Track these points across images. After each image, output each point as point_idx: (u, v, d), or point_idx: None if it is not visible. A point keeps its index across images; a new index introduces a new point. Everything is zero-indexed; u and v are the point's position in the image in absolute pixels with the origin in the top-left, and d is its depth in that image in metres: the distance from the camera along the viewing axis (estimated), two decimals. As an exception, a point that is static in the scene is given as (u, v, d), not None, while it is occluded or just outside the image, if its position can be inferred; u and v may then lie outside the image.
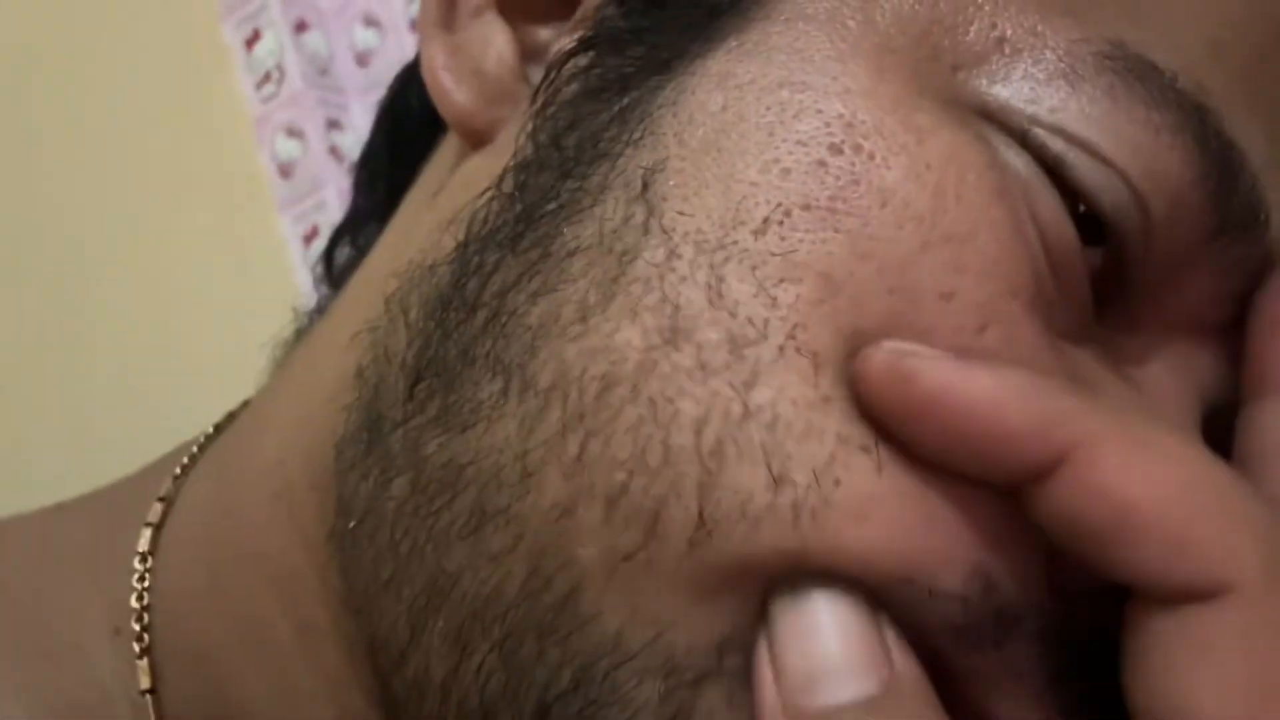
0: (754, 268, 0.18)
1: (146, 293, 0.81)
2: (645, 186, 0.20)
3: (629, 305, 0.19)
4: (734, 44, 0.20)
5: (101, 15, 0.82)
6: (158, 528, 0.27)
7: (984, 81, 0.19)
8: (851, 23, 0.20)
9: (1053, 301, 0.18)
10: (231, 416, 0.31)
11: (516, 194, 0.22)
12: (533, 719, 0.18)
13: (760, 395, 0.18)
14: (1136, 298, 0.19)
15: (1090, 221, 0.18)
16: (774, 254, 0.18)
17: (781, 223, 0.18)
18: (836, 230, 0.18)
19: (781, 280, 0.18)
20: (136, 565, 0.26)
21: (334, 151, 0.84)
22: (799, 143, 0.19)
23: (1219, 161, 0.18)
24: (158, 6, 0.85)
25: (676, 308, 0.19)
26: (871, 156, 0.18)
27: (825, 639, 0.16)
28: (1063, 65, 0.18)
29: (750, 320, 0.18)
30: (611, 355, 0.19)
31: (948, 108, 0.19)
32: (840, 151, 0.18)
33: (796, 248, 0.18)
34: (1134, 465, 0.16)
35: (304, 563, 0.23)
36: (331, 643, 0.22)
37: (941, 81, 0.19)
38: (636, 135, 0.20)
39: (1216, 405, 0.20)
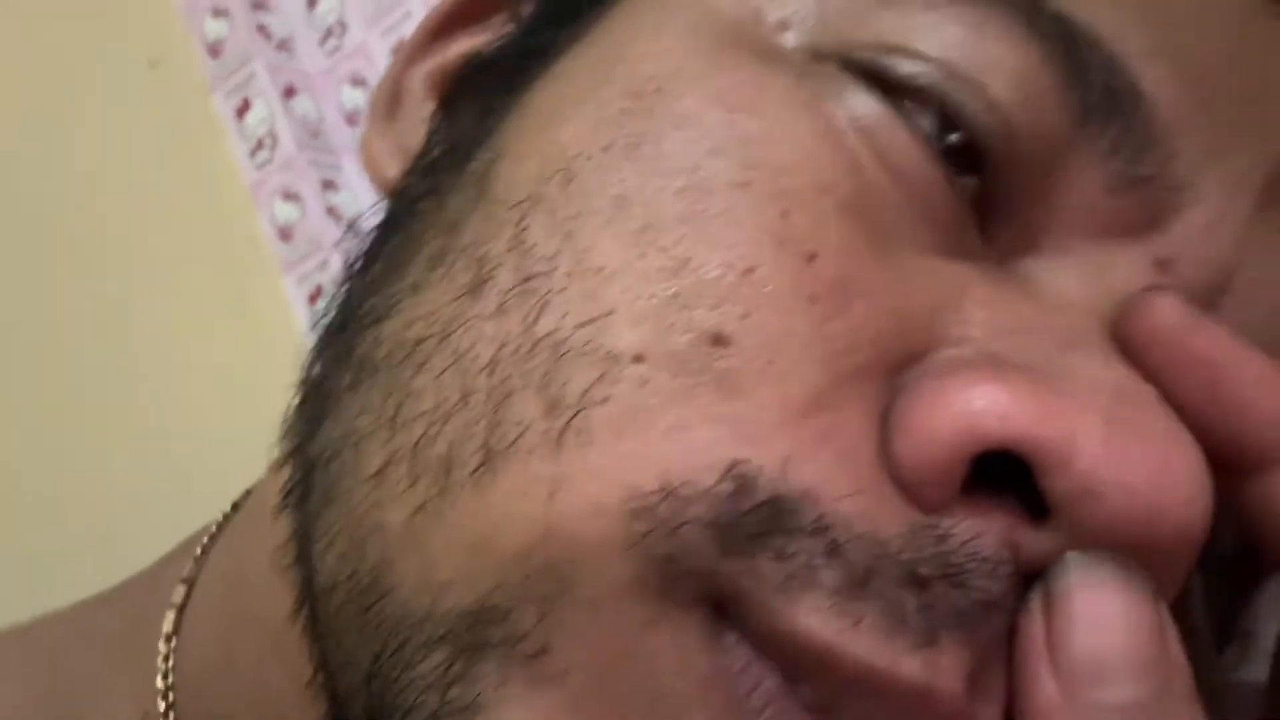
0: (553, 210, 0.19)
1: (155, 368, 0.81)
2: (483, 175, 0.21)
3: (447, 269, 0.20)
4: (577, 47, 0.22)
5: (91, 98, 0.83)
6: (181, 609, 0.27)
7: (807, 28, 0.19)
8: (682, 7, 0.21)
9: (898, 217, 0.18)
10: (249, 492, 0.31)
11: (390, 217, 0.24)
12: (364, 715, 0.18)
13: (545, 323, 0.18)
14: (1026, 208, 0.18)
15: (965, 150, 0.18)
16: (571, 194, 0.19)
17: (582, 168, 0.19)
18: (629, 159, 0.18)
19: (576, 214, 0.18)
20: (161, 647, 0.26)
21: (332, 211, 0.85)
22: (607, 100, 0.20)
23: (1062, 46, 0.18)
24: (146, 83, 0.86)
25: (482, 261, 0.19)
26: (668, 94, 0.19)
27: (1117, 629, 0.15)
28: None
29: (543, 256, 0.18)
30: (427, 317, 0.19)
31: (765, 57, 0.19)
32: (641, 96, 0.19)
33: (590, 182, 0.19)
34: None
35: (290, 617, 0.23)
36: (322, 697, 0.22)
37: (764, 39, 0.19)
38: (486, 138, 0.22)
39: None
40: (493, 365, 0.18)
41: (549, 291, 0.18)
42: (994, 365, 0.16)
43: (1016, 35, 0.18)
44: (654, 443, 0.16)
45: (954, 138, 0.18)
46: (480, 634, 0.16)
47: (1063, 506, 0.16)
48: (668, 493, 0.16)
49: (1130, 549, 0.16)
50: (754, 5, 0.20)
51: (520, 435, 0.17)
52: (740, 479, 0.16)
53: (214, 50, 0.93)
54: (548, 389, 0.17)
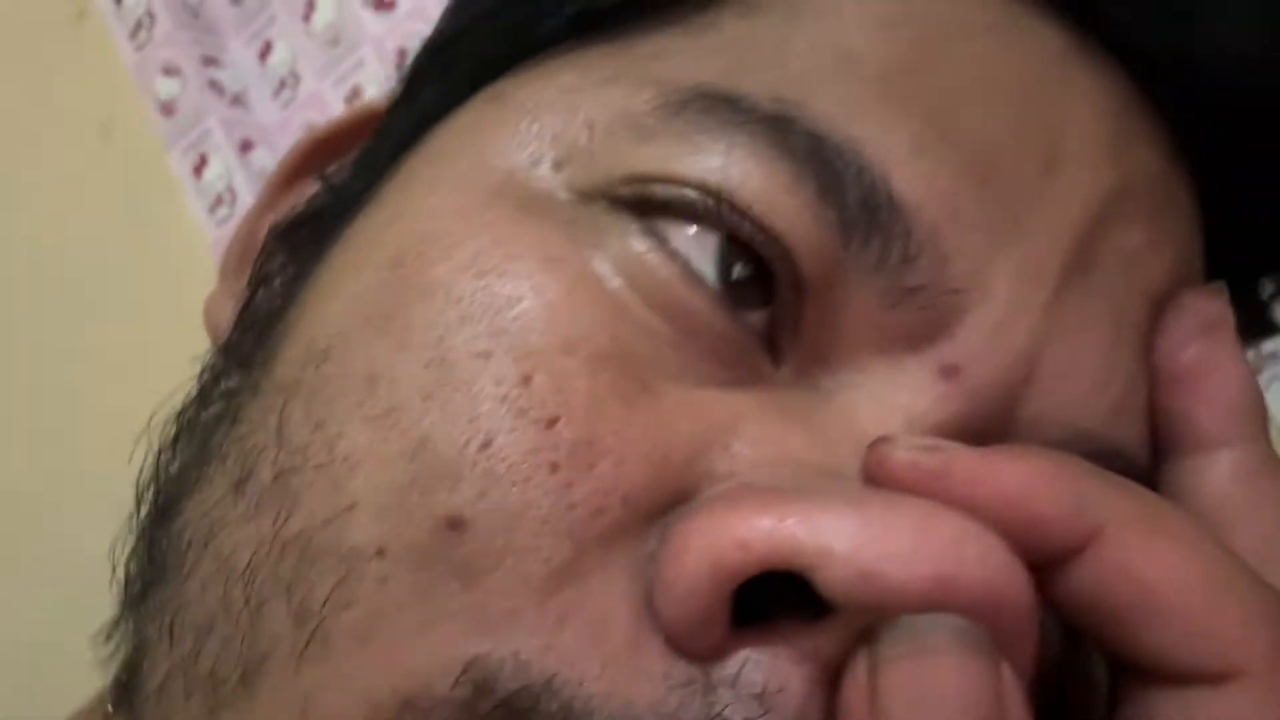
0: (311, 395, 0.18)
1: (119, 421, 0.80)
2: (269, 353, 0.20)
3: (220, 462, 0.19)
4: (370, 205, 0.21)
5: (42, 166, 0.82)
6: None
7: (576, 169, 0.19)
8: (458, 158, 0.20)
9: (666, 358, 0.17)
10: None
11: (201, 390, 0.24)
12: None
13: (293, 524, 0.17)
14: (814, 328, 0.18)
15: (751, 279, 0.18)
16: (327, 377, 0.18)
17: (339, 346, 0.18)
18: (382, 335, 0.18)
19: (330, 399, 0.18)
20: None
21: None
22: (372, 269, 0.19)
23: (813, 162, 0.18)
24: (98, 146, 0.85)
25: (248, 454, 0.19)
26: (423, 260, 0.19)
27: (947, 708, 0.14)
28: (647, 123, 0.19)
29: (298, 447, 0.18)
30: (198, 518, 0.19)
31: (530, 208, 0.19)
32: (400, 264, 0.19)
33: (344, 363, 0.18)
34: (1155, 549, 0.16)
35: None
36: None
37: (533, 187, 0.19)
38: (285, 309, 0.21)
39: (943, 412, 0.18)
40: (250, 572, 0.17)
41: (299, 487, 0.17)
42: (734, 497, 0.16)
43: (766, 157, 0.18)
44: (394, 649, 0.16)
45: (737, 270, 0.18)
46: None
47: (841, 600, 0.15)
48: (407, 704, 0.15)
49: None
50: (526, 151, 0.19)
51: (272, 649, 0.16)
52: (479, 679, 0.15)
53: (167, 109, 0.93)
54: (295, 596, 0.17)
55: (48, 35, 0.92)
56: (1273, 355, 0.85)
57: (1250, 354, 0.87)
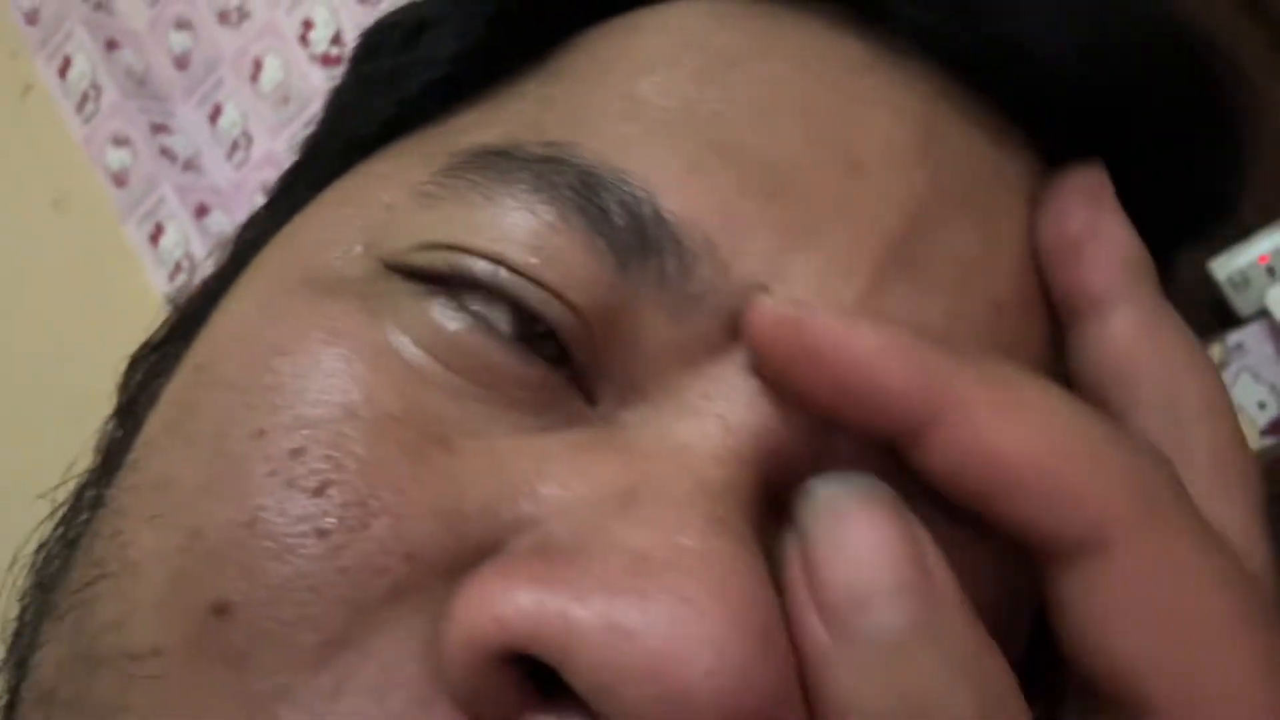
0: (115, 511, 0.18)
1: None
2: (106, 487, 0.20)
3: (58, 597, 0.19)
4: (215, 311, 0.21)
5: (1, 246, 0.81)
6: None
7: (373, 246, 0.19)
8: (273, 260, 0.21)
9: (464, 415, 0.18)
10: None
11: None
12: None
13: (82, 638, 0.17)
14: (620, 362, 0.18)
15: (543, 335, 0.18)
16: (127, 488, 0.18)
17: (144, 457, 0.18)
18: (176, 437, 0.18)
19: (126, 509, 0.18)
20: None
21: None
22: (178, 379, 0.19)
23: (577, 196, 0.18)
24: (56, 222, 0.84)
25: (70, 575, 0.19)
26: (222, 357, 0.19)
27: (867, 556, 0.15)
28: (430, 190, 0.19)
29: (95, 562, 0.18)
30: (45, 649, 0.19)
31: (329, 290, 0.19)
32: (203, 368, 0.19)
33: (144, 470, 0.18)
34: (1005, 423, 0.16)
35: None
36: None
37: (335, 269, 0.19)
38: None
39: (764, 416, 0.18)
40: (49, 693, 0.17)
41: (92, 599, 0.17)
42: (505, 567, 0.16)
43: (534, 200, 0.18)
44: None
45: (533, 327, 0.18)
46: None
47: (590, 704, 0.14)
48: None
49: None
50: (333, 240, 0.20)
51: None
52: None
53: (119, 179, 0.92)
54: (81, 711, 0.16)
55: (-7, 113, 0.92)
56: (1239, 347, 0.86)
57: (1216, 347, 0.88)
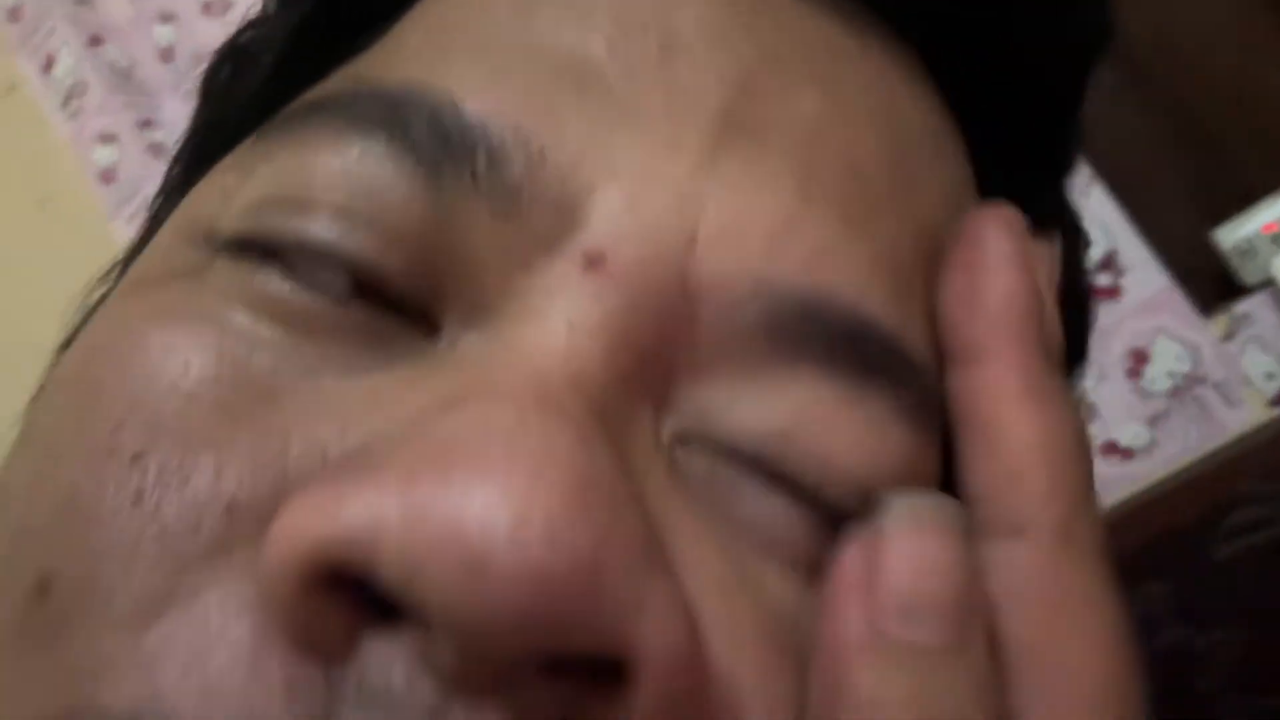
0: None
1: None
2: None
3: None
4: None
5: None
6: None
7: (213, 228, 0.19)
8: (130, 272, 0.20)
9: (289, 366, 0.17)
10: None
11: None
12: None
13: None
14: (454, 284, 0.18)
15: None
16: None
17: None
18: (17, 445, 0.18)
19: None
20: None
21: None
22: (33, 401, 0.20)
23: (383, 121, 0.18)
24: (43, 221, 0.84)
25: None
26: (59, 367, 0.19)
27: (935, 572, 0.15)
28: (249, 159, 0.19)
29: None
30: None
31: (164, 279, 0.19)
32: (43, 388, 0.19)
33: None
34: (1025, 397, 0.18)
35: None
36: None
37: (181, 255, 0.19)
38: None
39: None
40: None
41: None
42: (313, 486, 0.15)
43: (335, 139, 0.18)
44: None
45: (365, 270, 0.17)
46: None
47: (396, 601, 0.13)
48: None
49: (493, 628, 0.13)
50: (176, 236, 0.20)
51: None
52: None
53: (106, 177, 0.91)
54: None
55: (-24, 114, 0.91)
56: (1245, 316, 0.85)
57: (1223, 318, 0.87)
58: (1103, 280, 0.80)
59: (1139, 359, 0.79)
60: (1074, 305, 0.25)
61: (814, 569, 0.17)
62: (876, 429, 0.17)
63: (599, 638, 0.13)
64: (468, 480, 0.13)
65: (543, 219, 0.17)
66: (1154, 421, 0.79)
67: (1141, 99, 0.82)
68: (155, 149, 0.92)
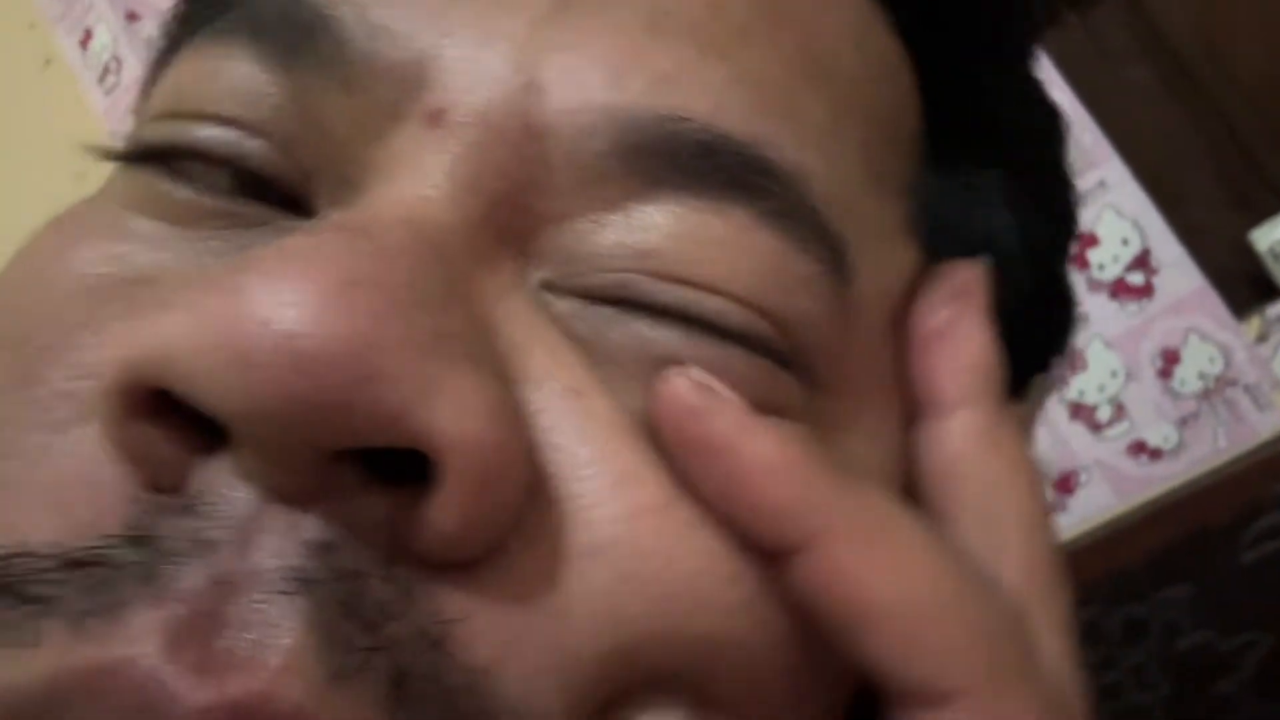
0: None
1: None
2: None
3: None
4: None
5: (21, 217, 0.81)
6: None
7: (126, 138, 0.20)
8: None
9: (173, 252, 0.19)
10: None
11: None
12: None
13: None
14: (317, 163, 0.18)
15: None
16: None
17: None
18: None
19: None
20: None
21: None
22: None
23: (247, 22, 0.19)
24: (77, 194, 0.84)
25: None
26: None
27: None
28: (160, 59, 0.22)
29: None
30: None
31: (80, 201, 0.20)
32: None
33: None
34: (874, 560, 0.15)
35: None
36: None
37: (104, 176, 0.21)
38: None
39: None
40: None
41: None
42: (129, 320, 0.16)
43: (201, 42, 0.19)
44: None
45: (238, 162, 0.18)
46: None
47: (193, 403, 0.14)
48: None
49: (266, 419, 0.13)
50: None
51: None
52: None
53: (141, 152, 0.92)
54: None
55: (16, 84, 0.91)
56: (1279, 320, 0.84)
57: (1256, 320, 0.86)
58: (1135, 279, 0.79)
59: (1170, 359, 0.79)
60: (1051, 301, 0.24)
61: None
62: (736, 234, 0.17)
63: (385, 425, 0.13)
64: (245, 288, 0.14)
65: (388, 88, 0.18)
66: (1183, 423, 0.78)
67: (1181, 99, 0.81)
68: (189, 125, 0.93)
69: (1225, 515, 0.80)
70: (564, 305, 0.17)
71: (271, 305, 0.13)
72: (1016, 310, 0.21)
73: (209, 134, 0.18)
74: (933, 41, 0.22)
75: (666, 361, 0.17)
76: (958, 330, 0.20)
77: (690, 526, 0.15)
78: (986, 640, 0.16)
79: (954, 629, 0.15)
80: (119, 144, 0.20)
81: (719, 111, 0.18)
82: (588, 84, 0.17)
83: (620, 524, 0.15)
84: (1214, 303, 0.78)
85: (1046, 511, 0.19)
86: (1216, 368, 0.78)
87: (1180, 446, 0.78)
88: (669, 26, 0.18)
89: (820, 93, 0.19)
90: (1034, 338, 0.23)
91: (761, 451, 0.16)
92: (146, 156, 0.19)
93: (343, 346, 0.13)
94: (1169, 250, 0.79)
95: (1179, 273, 0.79)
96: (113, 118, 0.92)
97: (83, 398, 0.16)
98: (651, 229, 0.17)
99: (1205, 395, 0.78)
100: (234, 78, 0.18)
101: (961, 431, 0.19)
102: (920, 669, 0.15)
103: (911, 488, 0.19)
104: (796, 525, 0.15)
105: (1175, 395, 0.78)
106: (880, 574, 0.15)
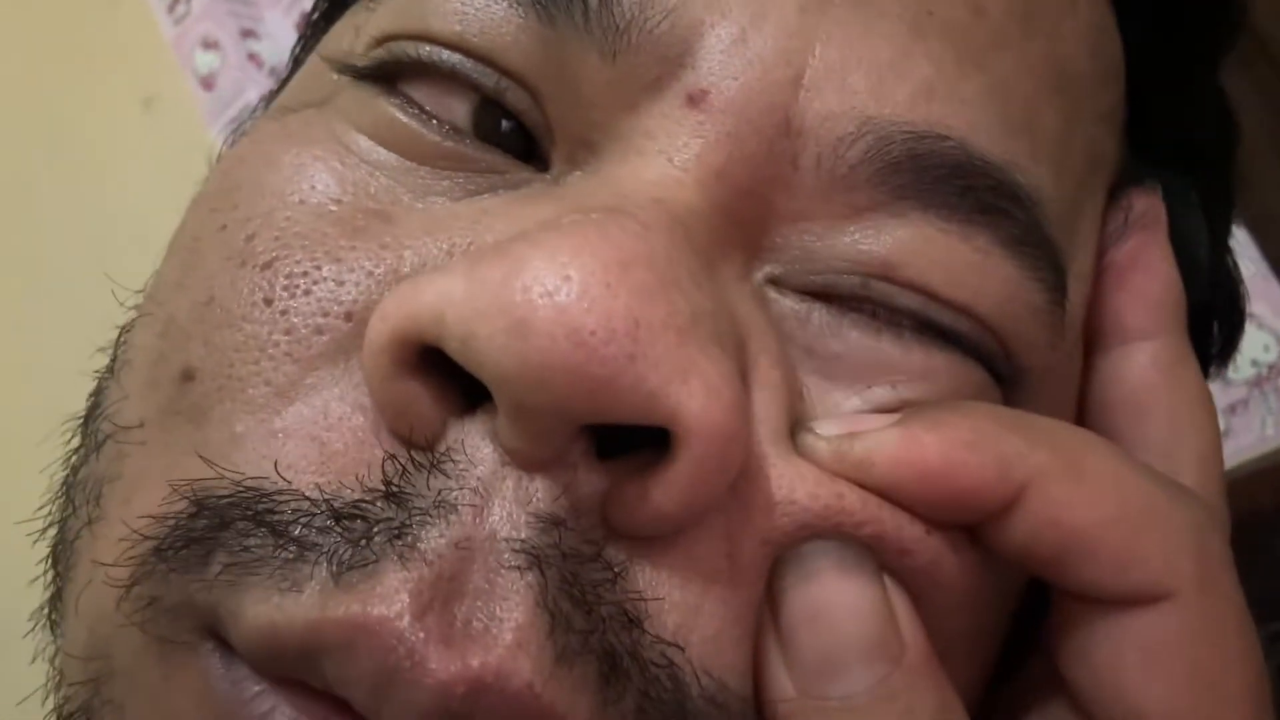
0: (127, 331, 0.20)
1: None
2: None
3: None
4: None
5: (86, 140, 0.82)
6: None
7: (342, 56, 0.20)
8: (290, 89, 0.22)
9: (406, 189, 0.18)
10: None
11: None
12: None
13: (98, 429, 0.19)
14: (568, 124, 0.18)
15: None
16: (144, 298, 0.20)
17: (150, 281, 0.21)
18: (167, 254, 0.20)
19: (140, 316, 0.20)
20: None
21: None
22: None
23: None
24: (145, 122, 0.86)
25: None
26: (204, 192, 0.20)
27: (839, 620, 0.15)
28: None
29: (119, 363, 0.20)
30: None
31: (299, 106, 0.20)
32: (194, 201, 0.21)
33: (153, 287, 0.20)
34: (1078, 495, 0.16)
35: None
36: None
37: (317, 86, 0.21)
38: None
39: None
40: (73, 475, 0.19)
41: (103, 399, 0.19)
42: (410, 279, 0.16)
43: None
44: (144, 499, 0.17)
45: (477, 98, 0.18)
46: None
47: (463, 363, 0.15)
48: (147, 539, 0.16)
49: (535, 386, 0.14)
50: (311, 74, 0.21)
51: (78, 529, 0.18)
52: (199, 499, 0.16)
53: (206, 84, 0.93)
54: (88, 487, 0.18)
55: (87, 12, 0.93)
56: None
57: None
58: (1194, 261, 0.78)
59: (1223, 345, 0.78)
60: (1228, 305, 0.25)
61: (924, 383, 0.17)
62: (980, 259, 0.17)
63: (639, 405, 0.14)
64: (522, 258, 0.14)
65: (650, 59, 0.17)
66: (1231, 410, 0.77)
67: (1257, 76, 0.79)
68: (255, 59, 0.93)
69: (1268, 503, 0.79)
70: (789, 304, 0.17)
71: (554, 279, 0.14)
72: (1197, 313, 0.21)
73: (459, 60, 0.18)
74: (1153, 44, 0.22)
75: (880, 371, 0.17)
76: (1143, 261, 0.20)
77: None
78: (1194, 544, 0.16)
79: (1160, 537, 0.16)
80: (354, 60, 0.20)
81: (974, 129, 0.18)
82: (853, 88, 0.17)
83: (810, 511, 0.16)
84: (1274, 291, 0.77)
85: (1220, 448, 0.19)
86: (1271, 356, 0.77)
87: (1227, 433, 0.78)
88: (932, 28, 0.18)
89: (1056, 101, 0.19)
90: (1208, 341, 0.24)
91: (938, 445, 0.16)
92: (383, 74, 0.19)
93: (618, 325, 0.14)
94: (1233, 235, 0.78)
95: (1241, 258, 0.78)
96: (181, 47, 0.93)
97: (338, 339, 0.17)
98: (893, 240, 0.17)
99: (1257, 383, 0.77)
100: (491, 16, 0.18)
101: (1150, 360, 0.19)
102: (1136, 576, 0.16)
103: (1086, 414, 0.20)
104: (1003, 488, 0.16)
105: (1226, 381, 0.77)
106: (1087, 503, 0.16)
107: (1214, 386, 0.88)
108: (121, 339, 0.20)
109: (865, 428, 0.16)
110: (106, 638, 0.16)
